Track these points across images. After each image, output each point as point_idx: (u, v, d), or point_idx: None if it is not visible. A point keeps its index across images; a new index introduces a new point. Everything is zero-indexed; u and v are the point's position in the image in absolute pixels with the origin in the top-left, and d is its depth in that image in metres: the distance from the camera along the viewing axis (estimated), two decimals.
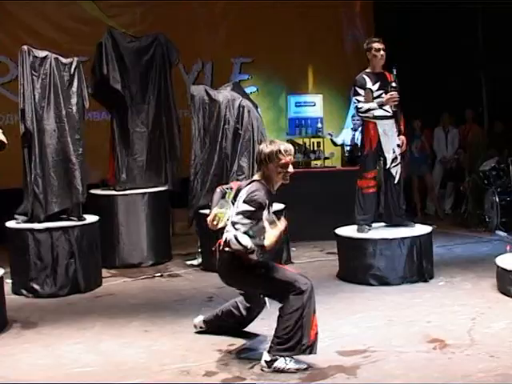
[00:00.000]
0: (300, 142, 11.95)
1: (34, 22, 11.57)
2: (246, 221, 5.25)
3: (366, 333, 6.14)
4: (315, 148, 11.75)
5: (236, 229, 5.26)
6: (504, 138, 11.85)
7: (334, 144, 12.12)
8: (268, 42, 12.58)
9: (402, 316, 6.55)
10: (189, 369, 5.46)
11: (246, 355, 5.69)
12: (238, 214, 5.34)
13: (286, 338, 5.32)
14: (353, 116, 11.98)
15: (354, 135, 11.63)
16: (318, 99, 12.20)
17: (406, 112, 12.18)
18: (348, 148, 12.01)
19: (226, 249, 5.38)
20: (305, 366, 5.33)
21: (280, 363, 5.30)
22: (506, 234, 10.30)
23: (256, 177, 5.56)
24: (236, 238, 5.23)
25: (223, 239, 5.41)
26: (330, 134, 11.97)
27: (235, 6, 12.57)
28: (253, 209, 5.26)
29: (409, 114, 12.29)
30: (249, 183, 5.55)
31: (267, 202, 5.37)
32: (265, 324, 6.44)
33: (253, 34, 12.52)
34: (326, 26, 13.13)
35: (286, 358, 5.31)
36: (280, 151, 5.37)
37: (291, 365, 5.31)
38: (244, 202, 5.32)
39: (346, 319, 6.56)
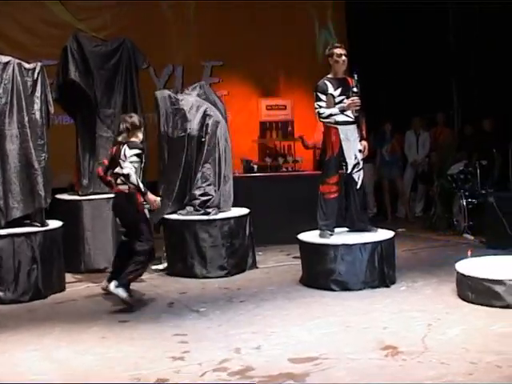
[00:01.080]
0: (271, 145, 12.00)
1: (3, 25, 11.52)
2: (136, 158, 7.38)
3: (321, 339, 6.13)
4: (286, 151, 11.79)
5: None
6: (474, 140, 11.90)
7: (306, 147, 12.13)
8: (239, 45, 12.59)
9: (359, 322, 6.54)
10: (140, 376, 5.44)
11: (199, 363, 5.68)
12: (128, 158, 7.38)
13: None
14: None
15: None
16: (288, 102, 12.23)
17: (377, 115, 12.31)
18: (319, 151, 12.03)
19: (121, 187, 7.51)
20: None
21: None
22: (473, 237, 10.35)
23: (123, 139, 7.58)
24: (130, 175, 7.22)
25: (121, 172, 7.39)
26: (300, 137, 11.99)
27: (206, 10, 12.57)
28: (139, 151, 7.41)
29: (380, 117, 12.44)
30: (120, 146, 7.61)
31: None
32: (220, 330, 6.49)
33: (224, 38, 12.52)
34: (297, 29, 13.16)
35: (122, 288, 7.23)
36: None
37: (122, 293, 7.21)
38: (130, 148, 7.43)
39: (303, 325, 6.54)
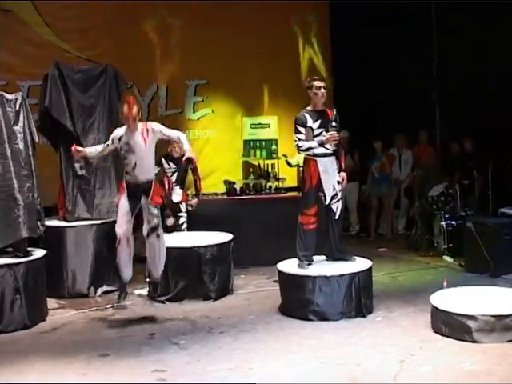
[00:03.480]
0: (255, 163, 12.10)
1: None
2: None
3: (296, 376, 6.23)
4: (270, 170, 11.89)
5: None
6: (456, 160, 11.98)
7: (289, 165, 12.25)
8: (223, 64, 12.66)
9: (333, 357, 6.64)
10: None
11: None
12: None
13: None
14: None
15: None
16: (273, 121, 12.33)
17: (367, 132, 12.42)
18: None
19: None
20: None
21: None
22: (452, 259, 10.49)
23: None
24: None
25: None
26: (284, 155, 12.11)
27: (190, 29, 12.68)
28: None
29: (370, 134, 12.56)
30: None
31: None
32: (199, 366, 6.59)
33: (208, 56, 12.59)
34: (281, 47, 13.24)
35: None
36: None
37: None
38: None
39: (280, 361, 6.64)
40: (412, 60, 13.01)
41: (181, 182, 10.36)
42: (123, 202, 7.90)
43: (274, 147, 12.01)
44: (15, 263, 8.06)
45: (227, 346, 7.18)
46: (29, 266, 8.16)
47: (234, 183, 11.36)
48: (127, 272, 8.14)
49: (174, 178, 10.32)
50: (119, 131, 7.94)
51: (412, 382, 6.01)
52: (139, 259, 8.80)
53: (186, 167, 10.13)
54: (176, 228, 10.13)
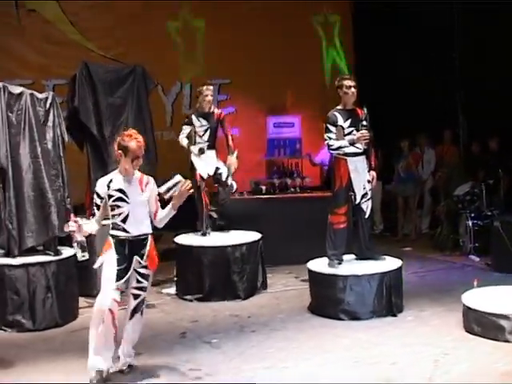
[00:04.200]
0: (279, 162, 12.14)
1: (13, 45, 11.68)
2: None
3: (331, 376, 6.25)
4: (293, 168, 11.91)
5: None
6: (480, 159, 11.96)
7: (312, 164, 12.30)
8: (246, 63, 12.75)
9: (367, 357, 6.65)
10: None
11: None
12: None
13: None
14: None
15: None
16: (296, 120, 12.36)
17: (391, 131, 12.40)
18: (326, 167, 12.18)
19: None
20: None
21: None
22: (478, 259, 10.48)
23: None
24: None
25: None
26: (308, 154, 12.15)
27: (214, 29, 12.72)
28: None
29: (394, 133, 12.54)
30: None
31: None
32: (234, 365, 6.60)
33: (231, 56, 12.68)
34: (304, 47, 13.30)
35: None
36: None
37: None
38: None
39: (313, 360, 6.67)
40: (435, 59, 12.96)
41: (213, 141, 9.71)
42: (110, 262, 6.24)
43: (297, 146, 12.04)
44: (46, 262, 8.14)
45: (260, 344, 7.20)
46: (60, 264, 8.22)
47: (260, 183, 11.37)
48: (108, 356, 6.33)
49: (206, 137, 9.61)
50: (104, 179, 6.32)
51: (448, 381, 6.02)
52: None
53: (217, 124, 9.65)
54: (225, 188, 9.70)
